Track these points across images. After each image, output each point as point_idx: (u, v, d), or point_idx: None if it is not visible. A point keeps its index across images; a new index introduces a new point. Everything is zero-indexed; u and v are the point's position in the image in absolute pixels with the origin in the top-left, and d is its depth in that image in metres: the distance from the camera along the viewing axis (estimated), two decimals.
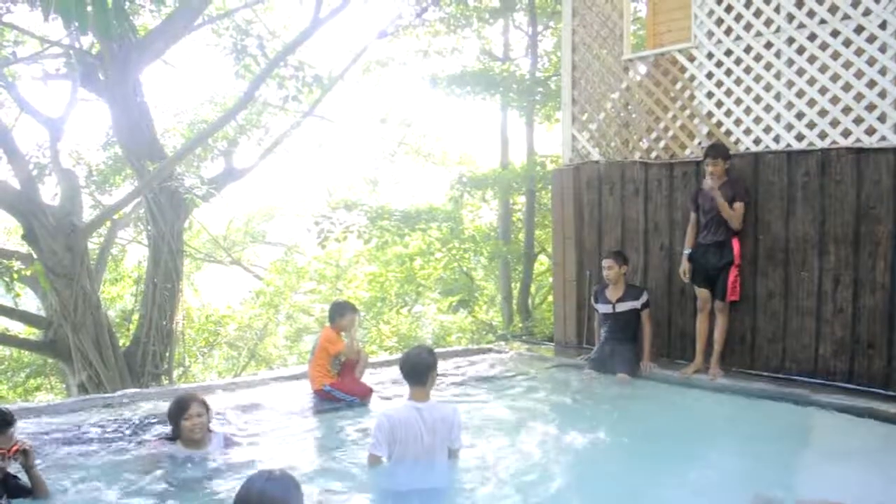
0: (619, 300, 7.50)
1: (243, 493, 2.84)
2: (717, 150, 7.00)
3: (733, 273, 6.95)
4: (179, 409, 4.97)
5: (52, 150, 14.33)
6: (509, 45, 18.63)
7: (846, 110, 6.59)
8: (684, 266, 7.32)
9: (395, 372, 7.87)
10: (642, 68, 8.39)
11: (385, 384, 7.37)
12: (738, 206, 6.91)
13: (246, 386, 7.56)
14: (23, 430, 5.80)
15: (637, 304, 7.45)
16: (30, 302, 17.24)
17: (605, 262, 7.58)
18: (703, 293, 7.18)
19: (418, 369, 4.50)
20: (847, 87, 6.57)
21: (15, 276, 13.29)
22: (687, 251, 7.32)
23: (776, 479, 4.70)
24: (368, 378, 7.11)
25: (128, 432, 5.86)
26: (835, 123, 6.67)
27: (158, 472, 4.81)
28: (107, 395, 7.76)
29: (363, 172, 27.30)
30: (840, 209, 6.61)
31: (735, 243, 6.93)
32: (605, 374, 7.40)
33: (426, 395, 4.52)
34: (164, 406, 6.45)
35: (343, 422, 6.21)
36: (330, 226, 14.86)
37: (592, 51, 8.73)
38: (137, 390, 7.65)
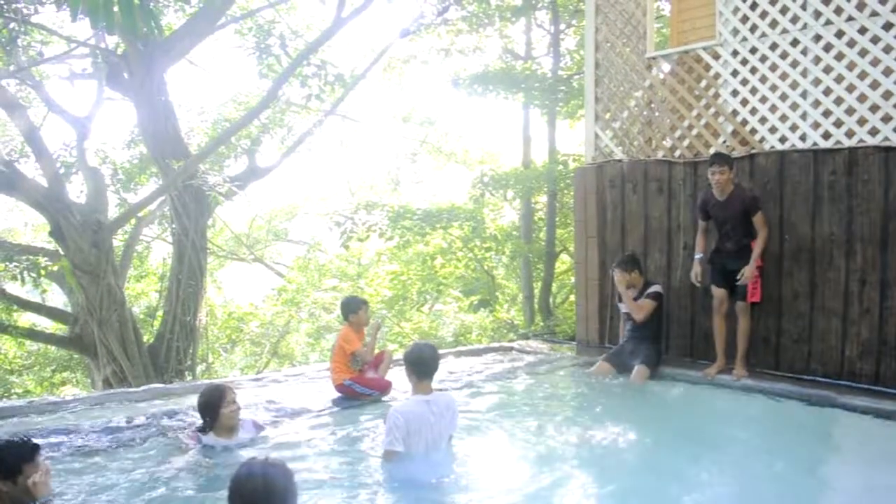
0: (636, 299, 7.48)
1: (245, 480, 2.89)
2: (724, 158, 6.90)
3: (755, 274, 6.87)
4: (219, 398, 5.11)
5: (78, 149, 14.51)
6: (531, 43, 18.58)
7: (874, 108, 6.51)
8: (696, 269, 7.25)
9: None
10: (666, 66, 8.34)
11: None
12: (759, 218, 6.80)
13: (270, 382, 7.62)
14: (52, 423, 5.91)
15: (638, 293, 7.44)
16: (57, 298, 17.49)
17: (614, 273, 7.63)
18: (719, 292, 7.09)
19: (433, 365, 4.80)
20: (875, 85, 6.49)
21: (42, 272, 13.46)
22: (699, 255, 7.26)
23: (799, 482, 4.66)
24: (391, 373, 7.15)
25: (160, 425, 5.93)
26: (862, 122, 6.59)
27: (198, 464, 4.90)
28: (131, 389, 7.84)
29: (385, 171, 27.38)
30: (867, 209, 6.53)
31: (756, 247, 6.86)
32: (623, 372, 7.38)
33: (431, 388, 4.80)
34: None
35: (362, 416, 6.25)
36: (352, 226, 14.92)
37: (616, 49, 8.69)
38: (162, 385, 7.73)
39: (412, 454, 4.59)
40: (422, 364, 4.72)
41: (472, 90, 16.56)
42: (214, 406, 5.09)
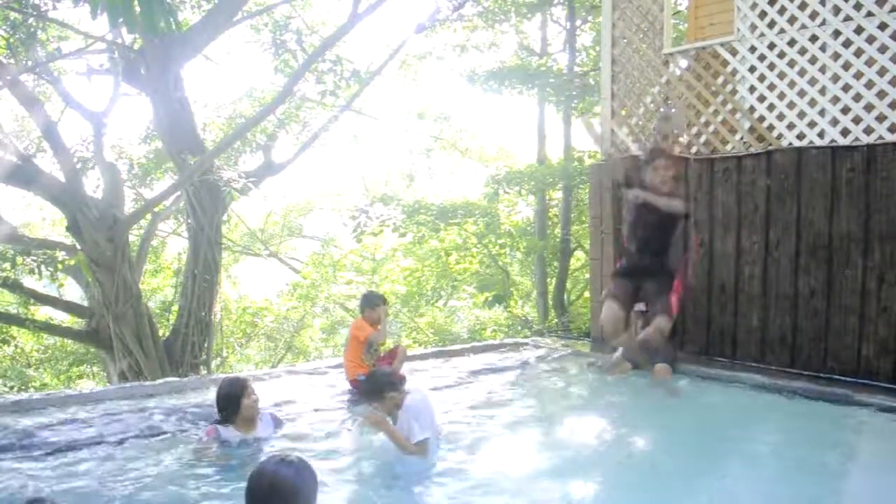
0: None
1: (255, 477, 2.87)
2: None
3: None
4: (240, 389, 5.10)
5: (95, 144, 14.61)
6: (547, 39, 18.55)
7: (893, 105, 6.44)
8: None
9: (430, 364, 7.99)
10: (683, 62, 8.29)
11: (422, 372, 7.46)
12: None
13: (283, 376, 7.65)
14: (68, 417, 5.96)
15: None
16: (73, 292, 17.63)
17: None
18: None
19: None
20: (895, 82, 6.42)
21: (59, 266, 13.60)
22: None
23: (815, 480, 4.64)
24: (406, 370, 7.17)
25: (176, 420, 5.97)
26: (881, 118, 6.52)
27: (217, 457, 4.93)
28: (147, 383, 7.89)
29: (400, 167, 27.42)
30: (885, 206, 6.46)
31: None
32: (641, 369, 7.34)
33: None
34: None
35: None
36: (366, 219, 14.96)
37: (632, 45, 8.65)
38: (178, 379, 7.78)
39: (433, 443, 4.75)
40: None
41: (487, 86, 16.56)
42: (236, 397, 5.06)
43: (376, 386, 4.82)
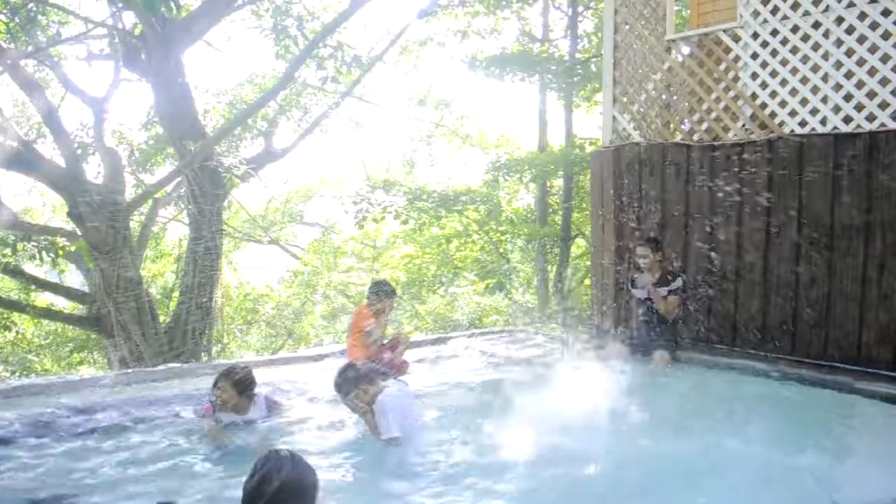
0: (655, 285, 7.40)
1: (274, 476, 2.68)
2: None
3: None
4: (213, 382, 5.34)
5: (95, 130, 14.55)
6: (549, 25, 18.47)
7: None
8: None
9: (430, 351, 8.00)
10: (685, 49, 8.25)
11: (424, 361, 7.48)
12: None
13: (284, 363, 7.66)
14: (70, 401, 5.97)
15: (665, 290, 7.33)
16: (74, 278, 17.63)
17: (640, 251, 7.44)
18: None
19: None
20: None
21: (60, 252, 13.57)
22: None
23: (813, 468, 4.64)
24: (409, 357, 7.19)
25: (174, 405, 6.00)
26: (884, 106, 6.50)
27: (211, 436, 5.08)
28: (148, 369, 7.91)
29: (400, 154, 27.38)
30: (887, 194, 6.45)
31: None
32: (640, 356, 7.34)
33: None
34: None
35: None
36: (368, 206, 14.94)
37: (635, 31, 8.61)
38: (178, 366, 7.81)
39: (411, 432, 4.81)
40: None
41: (488, 72, 16.51)
42: (212, 386, 5.32)
43: (347, 381, 4.89)
